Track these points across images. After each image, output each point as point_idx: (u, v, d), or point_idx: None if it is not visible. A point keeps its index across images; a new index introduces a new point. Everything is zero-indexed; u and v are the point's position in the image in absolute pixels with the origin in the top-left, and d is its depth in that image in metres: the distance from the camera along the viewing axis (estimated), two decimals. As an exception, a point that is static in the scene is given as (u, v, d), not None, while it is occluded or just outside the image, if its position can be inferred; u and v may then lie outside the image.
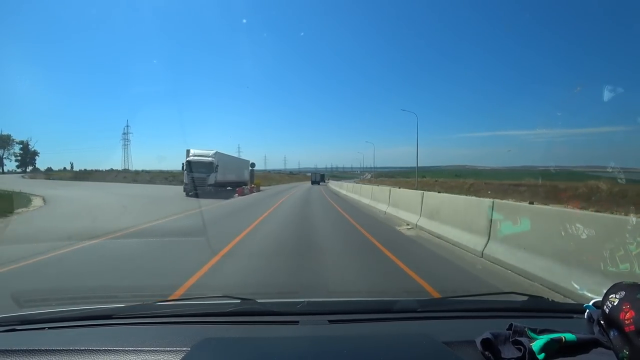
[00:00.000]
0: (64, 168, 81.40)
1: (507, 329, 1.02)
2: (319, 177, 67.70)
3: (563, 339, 0.92)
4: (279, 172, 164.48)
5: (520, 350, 0.94)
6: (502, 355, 0.95)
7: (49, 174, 67.42)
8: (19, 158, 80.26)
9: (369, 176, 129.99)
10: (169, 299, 1.47)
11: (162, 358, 0.98)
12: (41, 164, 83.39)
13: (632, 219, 3.35)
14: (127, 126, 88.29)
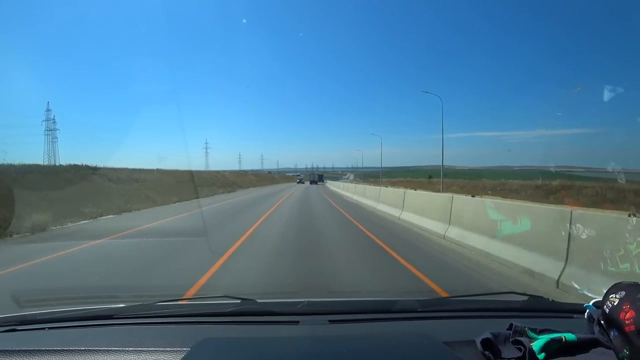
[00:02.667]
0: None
1: (507, 329, 1.02)
2: (317, 177, 68.45)
3: (563, 338, 0.92)
4: (256, 172, 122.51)
5: (520, 350, 0.94)
6: (503, 355, 0.95)
7: None
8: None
9: (352, 177, 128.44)
10: (170, 299, 1.46)
11: (163, 358, 0.98)
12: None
13: (632, 218, 3.34)
14: (49, 110, 58.19)
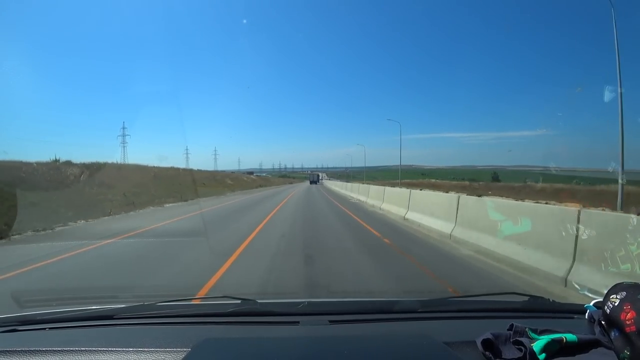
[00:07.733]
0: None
1: (508, 329, 1.01)
2: (316, 178, 75.55)
3: (564, 339, 0.92)
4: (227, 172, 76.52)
5: (521, 350, 0.93)
6: (503, 356, 0.94)
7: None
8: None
9: (326, 176, 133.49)
10: (170, 299, 1.46)
11: (163, 358, 0.98)
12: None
13: (633, 218, 3.33)
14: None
